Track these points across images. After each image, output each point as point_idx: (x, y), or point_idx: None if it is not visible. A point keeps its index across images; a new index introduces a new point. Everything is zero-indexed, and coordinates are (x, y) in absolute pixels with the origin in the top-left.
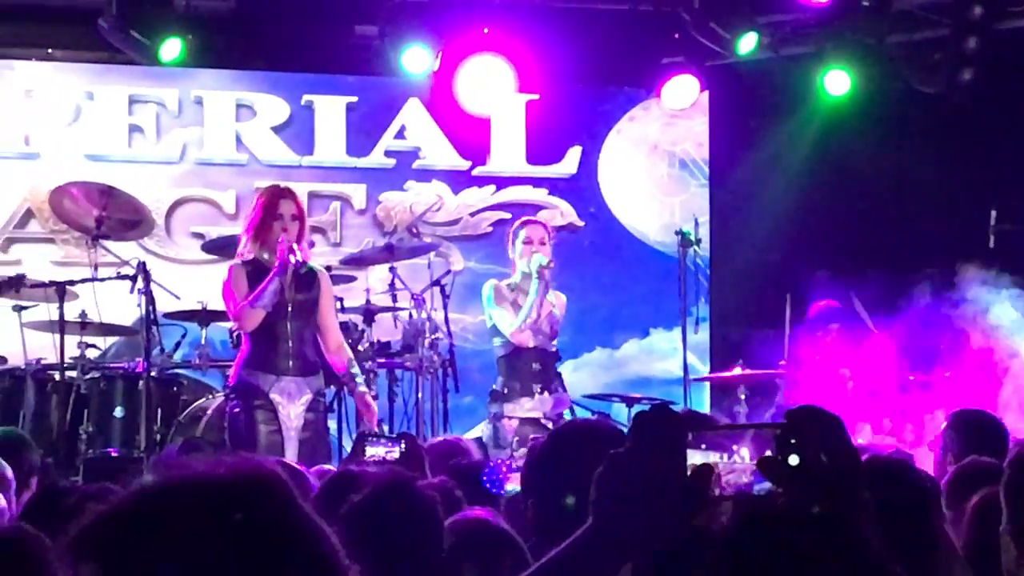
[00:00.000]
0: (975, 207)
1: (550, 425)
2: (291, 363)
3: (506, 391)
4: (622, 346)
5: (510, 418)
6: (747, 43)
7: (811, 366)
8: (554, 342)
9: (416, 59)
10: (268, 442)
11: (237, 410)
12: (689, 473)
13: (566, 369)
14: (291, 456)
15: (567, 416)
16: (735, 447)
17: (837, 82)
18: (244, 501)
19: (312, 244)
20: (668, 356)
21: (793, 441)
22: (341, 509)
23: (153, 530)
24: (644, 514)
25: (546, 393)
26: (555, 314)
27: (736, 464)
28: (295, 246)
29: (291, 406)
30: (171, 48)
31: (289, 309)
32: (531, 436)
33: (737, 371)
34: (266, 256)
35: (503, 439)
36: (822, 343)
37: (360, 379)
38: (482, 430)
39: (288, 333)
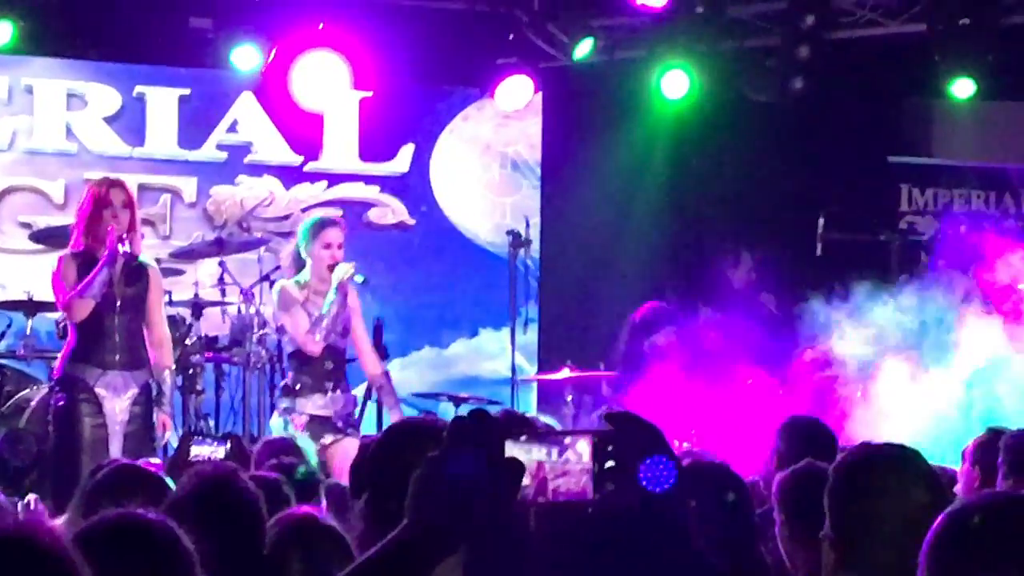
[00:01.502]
0: (805, 214)
1: (340, 424)
2: (117, 357)
3: (298, 387)
4: (451, 345)
5: (300, 413)
6: (583, 49)
7: (637, 369)
8: (347, 339)
9: (246, 56)
10: (92, 436)
11: (61, 403)
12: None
13: (394, 367)
14: (115, 451)
15: (356, 414)
16: (568, 441)
17: (675, 84)
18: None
19: (142, 236)
20: (496, 356)
21: (610, 448)
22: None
23: None
24: (458, 514)
25: (338, 391)
26: (348, 309)
27: (570, 464)
28: (124, 236)
29: (116, 400)
30: (2, 32)
31: (118, 303)
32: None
33: (565, 372)
34: (97, 248)
35: (290, 435)
36: (649, 345)
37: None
38: (273, 424)
39: (115, 327)
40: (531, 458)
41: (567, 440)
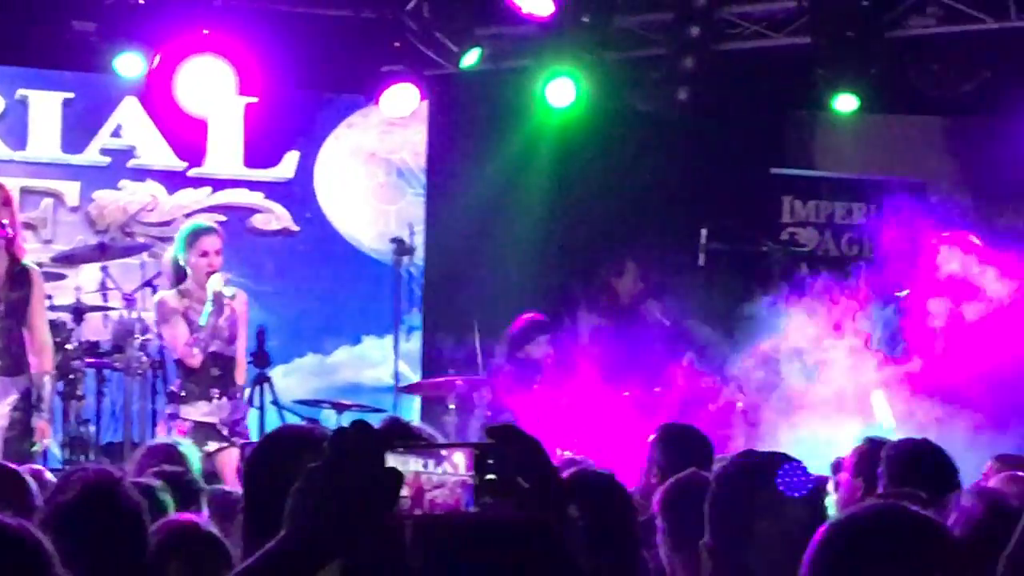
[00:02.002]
0: (688, 224)
1: (226, 431)
2: None
3: (183, 394)
4: (333, 352)
5: (184, 420)
6: (470, 58)
7: (513, 378)
8: (234, 345)
9: (129, 64)
10: None
11: None
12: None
13: (277, 373)
14: None
15: (248, 424)
16: (445, 453)
17: (561, 92)
18: None
19: (23, 240)
20: (379, 363)
21: (490, 461)
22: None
23: None
24: (336, 525)
25: (224, 399)
26: (235, 315)
27: (447, 475)
28: (4, 224)
29: None
30: None
31: (1, 307)
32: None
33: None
34: None
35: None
36: (526, 356)
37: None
38: (159, 430)
39: None
40: (408, 469)
41: (444, 452)
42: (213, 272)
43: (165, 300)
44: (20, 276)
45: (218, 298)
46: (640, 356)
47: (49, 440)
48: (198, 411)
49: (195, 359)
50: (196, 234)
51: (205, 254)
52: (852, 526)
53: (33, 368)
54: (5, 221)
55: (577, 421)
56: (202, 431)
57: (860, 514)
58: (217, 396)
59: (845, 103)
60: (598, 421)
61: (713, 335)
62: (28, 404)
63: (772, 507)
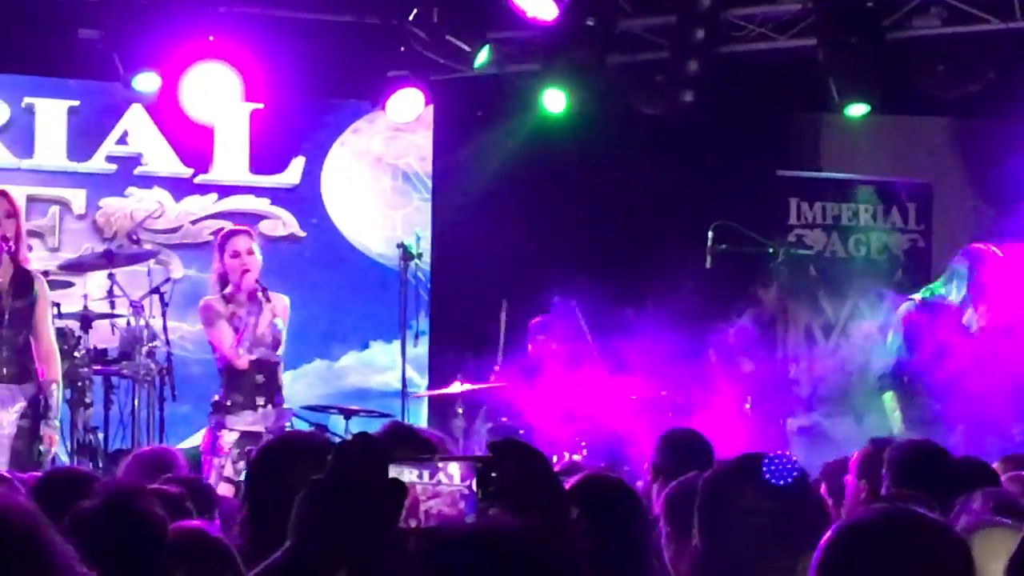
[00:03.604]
0: (694, 226)
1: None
2: (4, 370)
3: (229, 403)
4: (341, 358)
5: (230, 430)
6: (482, 57)
7: (524, 382)
8: (278, 351)
9: (146, 82)
10: None
11: None
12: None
13: (285, 379)
14: (3, 463)
15: (289, 427)
16: (442, 464)
17: (554, 101)
18: None
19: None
20: (387, 369)
21: (493, 474)
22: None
23: None
24: (340, 538)
25: (270, 406)
26: (277, 324)
27: (442, 485)
28: (10, 241)
29: (3, 413)
30: None
31: (5, 315)
32: (248, 448)
33: (456, 386)
34: None
35: (218, 450)
36: (536, 359)
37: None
38: (201, 438)
39: (2, 339)
40: (403, 479)
41: (440, 463)
42: (247, 272)
43: (210, 303)
44: (25, 284)
45: (254, 295)
46: (646, 358)
47: (56, 448)
48: (243, 421)
49: (242, 360)
50: (226, 237)
51: (237, 255)
52: (860, 529)
53: (40, 376)
54: (9, 234)
55: (583, 422)
56: (248, 440)
57: (868, 517)
58: (262, 404)
59: (855, 110)
60: (604, 421)
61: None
62: (35, 412)
63: (743, 506)
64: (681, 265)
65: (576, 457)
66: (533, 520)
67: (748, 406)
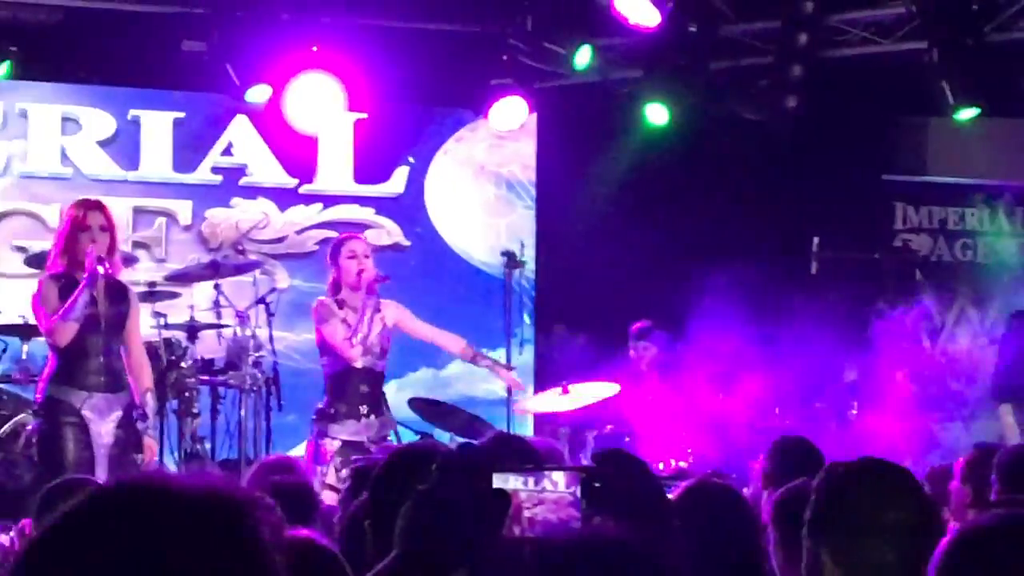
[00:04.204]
0: (799, 233)
1: (373, 449)
2: (102, 379)
3: (332, 411)
4: (447, 366)
5: (333, 438)
6: (583, 57)
7: (628, 388)
8: (385, 360)
9: (259, 94)
10: (78, 459)
11: (46, 427)
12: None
13: (390, 389)
14: (101, 474)
15: (392, 439)
16: (547, 472)
17: (657, 114)
18: (222, 518)
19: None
20: (492, 377)
21: (597, 485)
22: None
23: (129, 537)
24: (446, 546)
25: (373, 416)
26: (387, 330)
27: (547, 492)
28: (104, 257)
29: (102, 423)
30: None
31: (101, 324)
32: (353, 457)
33: (556, 394)
34: (76, 270)
35: (321, 458)
36: (637, 365)
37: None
38: (304, 448)
39: (99, 348)
40: (508, 487)
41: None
42: (362, 272)
43: (323, 302)
44: (118, 293)
45: (372, 288)
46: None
47: (155, 457)
48: (346, 430)
49: (354, 351)
50: (341, 240)
51: (353, 256)
52: (980, 534)
53: (135, 385)
54: (103, 247)
55: (690, 429)
56: (350, 449)
57: (989, 522)
58: (366, 414)
59: (968, 112)
60: (709, 428)
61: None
62: (131, 421)
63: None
64: (787, 272)
65: (682, 464)
66: (637, 529)
67: (854, 412)
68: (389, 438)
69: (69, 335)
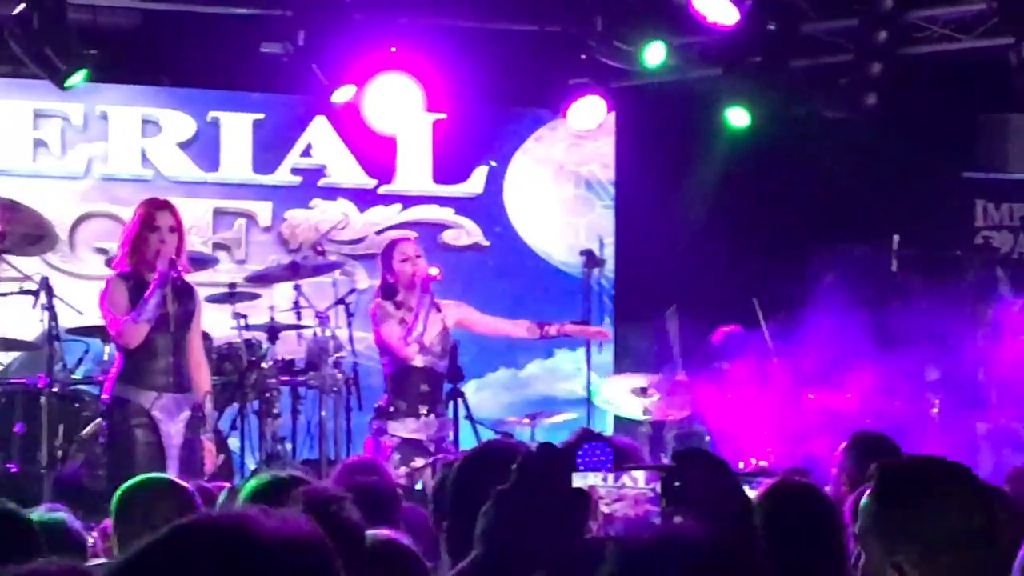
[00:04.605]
0: (879, 231)
1: (432, 448)
2: (170, 379)
3: (392, 409)
4: (526, 366)
5: (392, 436)
6: (654, 54)
7: (709, 389)
8: (444, 361)
9: (345, 93)
10: (148, 459)
11: (116, 428)
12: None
13: (470, 389)
14: (172, 474)
15: (450, 438)
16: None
17: (738, 117)
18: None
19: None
20: (572, 376)
21: (677, 484)
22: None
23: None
24: (525, 546)
25: (432, 415)
26: (447, 330)
27: (626, 489)
28: (175, 259)
29: (171, 423)
30: (77, 78)
31: (170, 325)
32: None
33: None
34: (144, 270)
35: (381, 456)
36: (723, 368)
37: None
38: (366, 444)
39: (168, 348)
40: (586, 483)
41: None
42: (416, 272)
43: (381, 303)
44: (185, 293)
45: (427, 286)
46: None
47: (216, 459)
48: (406, 428)
49: (410, 350)
50: (393, 243)
51: (406, 258)
52: None
53: (195, 386)
54: (171, 247)
55: (772, 429)
56: (409, 448)
57: None
58: (425, 412)
59: None
60: (792, 428)
61: None
62: (198, 421)
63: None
64: (865, 270)
65: (763, 463)
66: (717, 528)
67: (935, 410)
68: (448, 438)
69: (140, 337)
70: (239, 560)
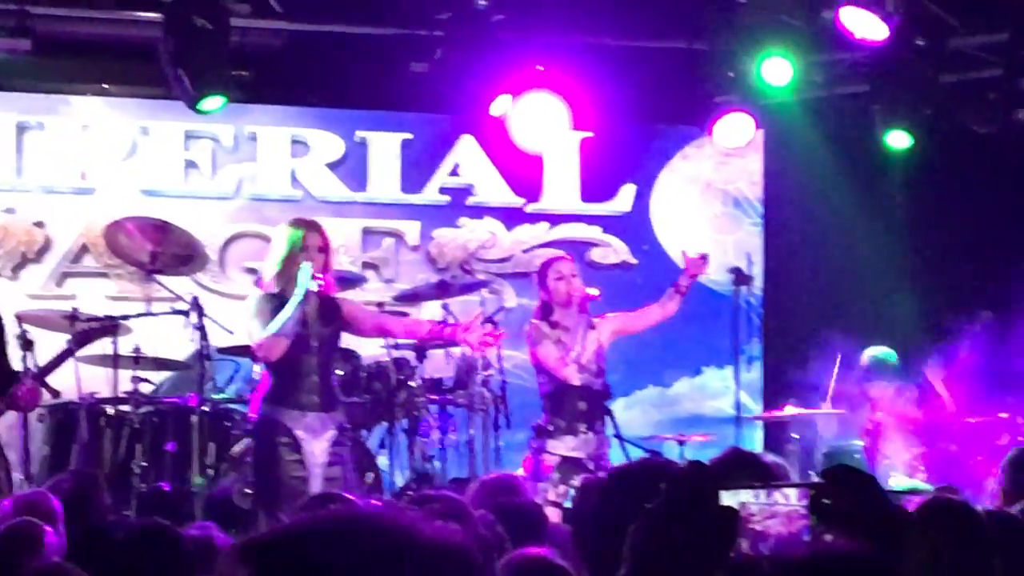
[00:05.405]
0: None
1: (591, 466)
2: (316, 399)
3: (551, 428)
4: (674, 384)
5: (551, 454)
6: (777, 71)
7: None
8: (601, 379)
9: (501, 105)
10: (292, 479)
11: (261, 447)
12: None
13: (618, 407)
14: (314, 491)
15: (610, 456)
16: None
17: (898, 140)
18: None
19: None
20: (720, 394)
21: (827, 501)
22: None
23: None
24: (672, 564)
25: (591, 433)
26: (602, 349)
27: (778, 506)
28: (317, 275)
29: (315, 442)
30: (212, 103)
31: (315, 343)
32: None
33: (788, 410)
34: (290, 290)
35: (541, 474)
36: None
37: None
38: (526, 465)
39: (313, 367)
40: (736, 501)
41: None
42: (572, 292)
43: (536, 324)
44: (331, 311)
45: (584, 307)
46: (981, 383)
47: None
48: (565, 446)
49: (568, 370)
50: (548, 262)
51: (561, 277)
52: None
53: (412, 324)
54: (319, 267)
55: (933, 447)
56: (569, 466)
57: None
58: (583, 430)
59: None
60: (942, 443)
61: None
62: (345, 440)
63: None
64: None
65: (916, 480)
66: (869, 546)
67: None
68: (607, 455)
69: (278, 351)
70: (403, 562)
